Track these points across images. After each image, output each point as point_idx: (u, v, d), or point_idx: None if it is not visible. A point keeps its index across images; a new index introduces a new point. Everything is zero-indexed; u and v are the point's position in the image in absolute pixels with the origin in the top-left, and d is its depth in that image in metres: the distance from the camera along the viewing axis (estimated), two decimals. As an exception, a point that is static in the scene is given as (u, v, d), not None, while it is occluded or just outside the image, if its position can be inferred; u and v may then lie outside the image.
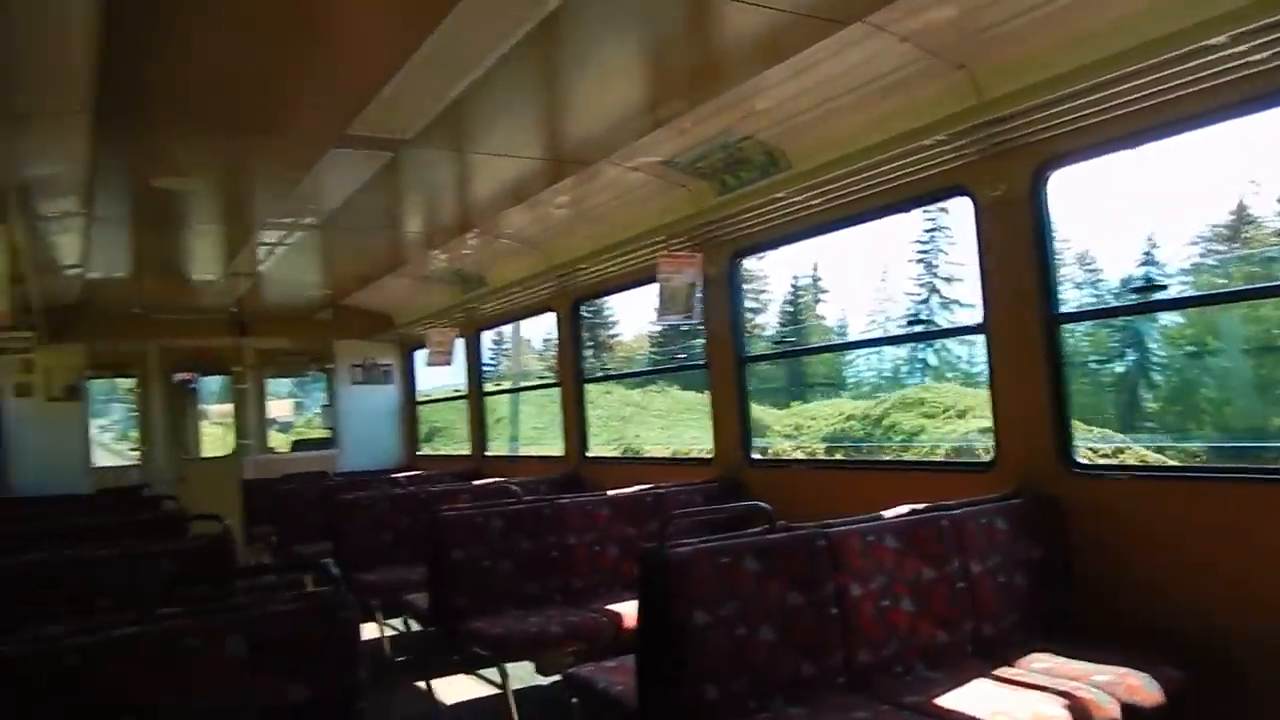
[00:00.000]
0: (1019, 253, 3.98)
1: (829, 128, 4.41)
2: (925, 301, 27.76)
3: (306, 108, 4.24)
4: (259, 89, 4.00)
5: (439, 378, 11.42)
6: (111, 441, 12.50)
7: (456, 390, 10.63)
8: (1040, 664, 3.36)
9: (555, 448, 8.03)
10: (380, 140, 4.62)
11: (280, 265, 7.74)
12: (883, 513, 3.59)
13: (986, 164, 4.04)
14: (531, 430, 12.14)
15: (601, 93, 4.29)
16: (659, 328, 29.51)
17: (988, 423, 4.61)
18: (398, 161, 5.00)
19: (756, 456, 5.74)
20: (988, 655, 3.48)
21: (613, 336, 34.41)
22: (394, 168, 5.12)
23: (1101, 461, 4.01)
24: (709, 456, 6.12)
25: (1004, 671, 3.32)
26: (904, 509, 3.65)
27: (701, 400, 10.10)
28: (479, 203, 6.21)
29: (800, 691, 3.13)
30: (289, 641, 2.38)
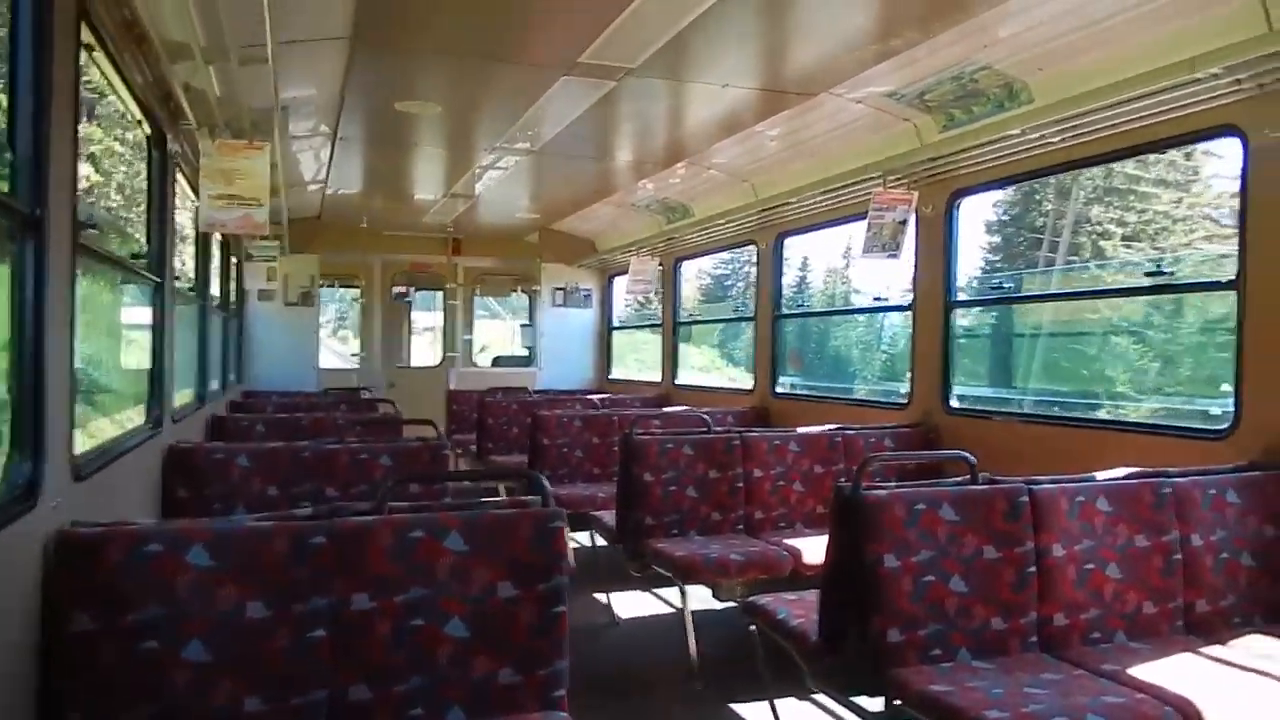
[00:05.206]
0: None
1: (1081, 59, 4.11)
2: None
3: (546, 36, 4.36)
4: (504, 17, 4.14)
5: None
6: (325, 337, 13.71)
7: (647, 320, 10.86)
8: (1260, 648, 3.15)
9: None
10: (606, 69, 4.70)
11: (495, 188, 8.10)
12: (1095, 474, 3.42)
13: (1266, 102, 3.64)
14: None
15: (832, 22, 4.16)
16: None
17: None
18: (618, 91, 5.08)
19: (955, 405, 5.57)
20: (1198, 633, 3.29)
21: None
22: (613, 97, 5.21)
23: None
24: (903, 401, 6.00)
25: (1215, 651, 3.13)
26: (1120, 471, 3.46)
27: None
28: (691, 134, 6.22)
29: (988, 646, 3.07)
30: (501, 543, 2.58)
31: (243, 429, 5.78)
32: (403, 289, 11.97)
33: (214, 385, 6.78)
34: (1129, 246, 23.87)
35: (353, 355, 12.09)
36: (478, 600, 2.53)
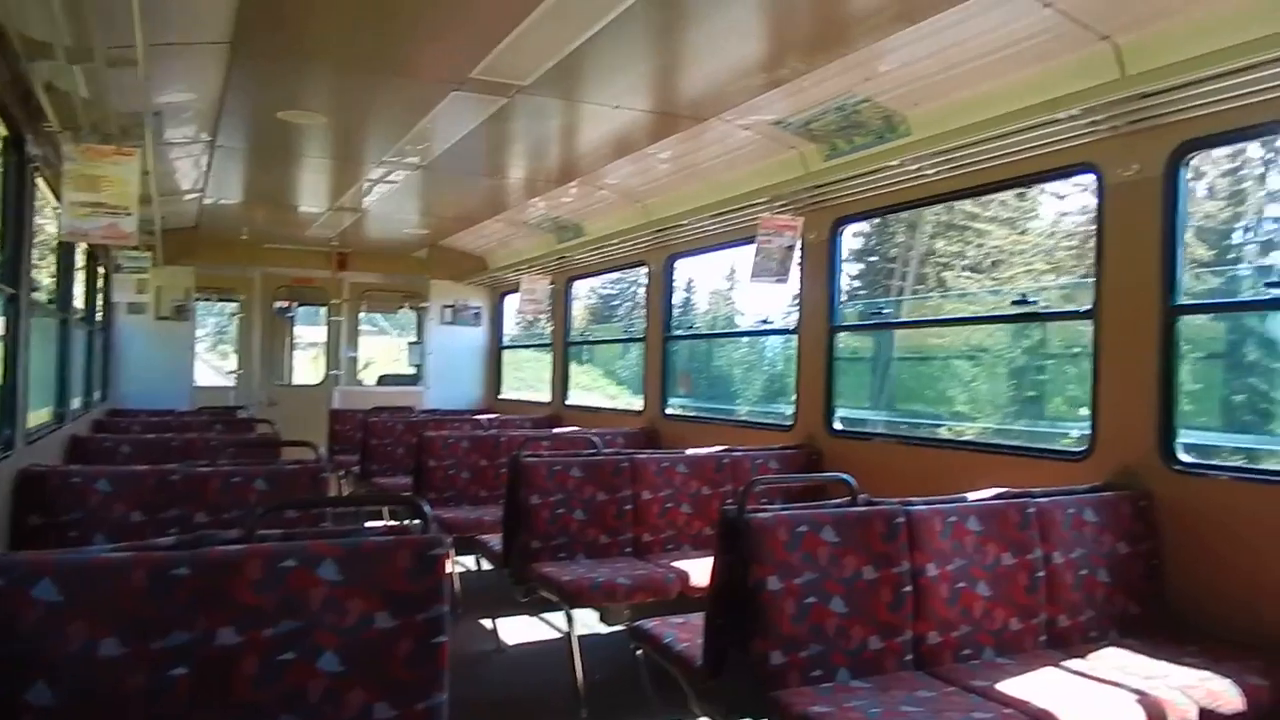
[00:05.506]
0: (1146, 237, 3.84)
1: (954, 95, 4.31)
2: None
3: (435, 50, 4.29)
4: (392, 29, 4.06)
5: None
6: (202, 351, 13.06)
7: (536, 339, 10.78)
8: (1115, 660, 3.32)
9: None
10: (497, 85, 4.66)
11: (384, 203, 7.92)
12: (967, 494, 3.56)
13: (1119, 142, 3.91)
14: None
15: (721, 49, 4.24)
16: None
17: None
18: (510, 108, 5.05)
19: (838, 427, 5.73)
20: (1061, 647, 3.45)
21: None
22: (505, 114, 5.17)
23: (1193, 460, 3.94)
24: (788, 423, 6.13)
25: (1076, 664, 3.29)
26: (989, 492, 3.61)
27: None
28: (584, 153, 6.24)
29: (866, 666, 3.14)
30: (379, 572, 2.46)
31: (106, 450, 5.45)
32: (285, 303, 11.57)
33: (75, 403, 6.38)
34: (969, 277, 25.35)
35: (230, 372, 11.56)
36: (352, 632, 2.40)
